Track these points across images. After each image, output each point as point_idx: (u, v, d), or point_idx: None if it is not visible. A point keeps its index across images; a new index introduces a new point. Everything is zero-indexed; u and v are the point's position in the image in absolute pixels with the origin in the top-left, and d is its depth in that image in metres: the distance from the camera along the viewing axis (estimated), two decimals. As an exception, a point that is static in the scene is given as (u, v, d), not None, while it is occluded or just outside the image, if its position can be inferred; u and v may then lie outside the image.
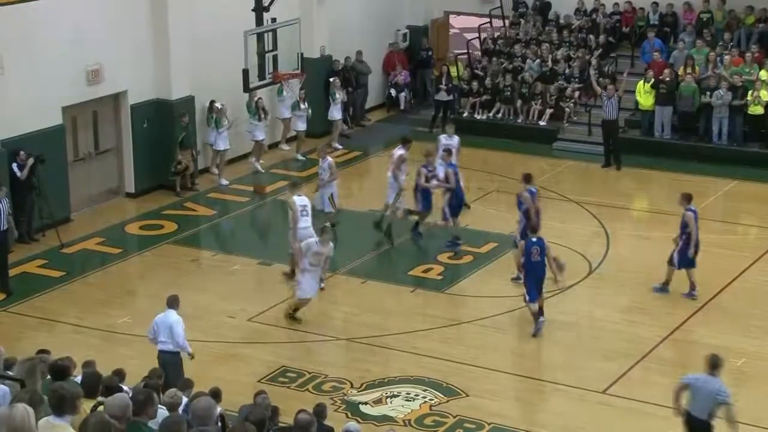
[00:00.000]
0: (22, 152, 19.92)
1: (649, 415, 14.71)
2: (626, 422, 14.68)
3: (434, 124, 27.32)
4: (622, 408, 14.95)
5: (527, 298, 16.89)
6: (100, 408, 8.31)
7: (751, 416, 14.56)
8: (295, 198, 18.23)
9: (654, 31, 27.04)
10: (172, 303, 14.46)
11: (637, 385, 15.52)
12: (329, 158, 20.58)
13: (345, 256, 19.77)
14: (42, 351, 11.74)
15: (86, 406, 8.45)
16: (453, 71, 27.97)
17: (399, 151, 20.61)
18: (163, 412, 9.17)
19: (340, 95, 26.15)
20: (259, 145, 24.55)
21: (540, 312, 16.85)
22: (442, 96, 27.59)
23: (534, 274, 16.79)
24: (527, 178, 18.58)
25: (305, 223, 18.04)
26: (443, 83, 27.59)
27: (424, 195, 20.32)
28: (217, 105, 23.55)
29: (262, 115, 24.44)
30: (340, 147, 26.04)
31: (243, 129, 24.40)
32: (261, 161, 24.60)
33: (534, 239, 16.87)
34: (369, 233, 21.03)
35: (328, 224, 18.92)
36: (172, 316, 14.31)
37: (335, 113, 26.19)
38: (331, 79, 26.27)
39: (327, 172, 20.21)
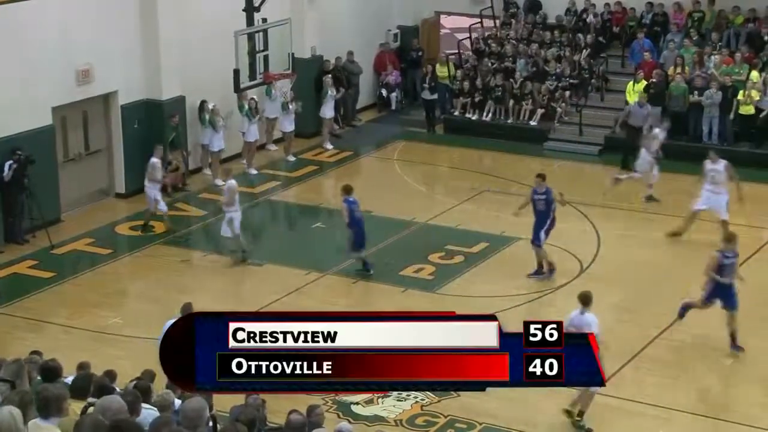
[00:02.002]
0: (18, 152, 19.88)
1: (640, 414, 14.75)
2: (617, 421, 14.69)
3: (430, 124, 27.52)
4: (612, 407, 14.95)
5: (358, 248, 18.90)
6: (91, 409, 8.27)
7: (740, 416, 14.62)
8: (154, 160, 20.73)
9: (643, 32, 27.06)
10: (185, 312, 13.63)
11: (628, 385, 15.51)
12: (231, 180, 19.70)
13: (336, 256, 19.76)
14: (34, 352, 11.72)
15: (76, 407, 8.41)
16: (441, 71, 27.95)
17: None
18: (153, 412, 9.14)
19: (332, 92, 26.11)
20: (251, 146, 24.42)
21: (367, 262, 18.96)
22: (426, 95, 27.62)
23: (360, 227, 18.88)
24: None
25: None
26: (427, 82, 27.60)
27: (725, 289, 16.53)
28: (209, 105, 23.48)
29: (255, 117, 24.37)
30: (330, 147, 25.99)
31: (236, 128, 24.30)
32: (254, 164, 24.32)
33: (351, 199, 18.80)
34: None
35: (240, 252, 19.54)
36: None
37: (327, 111, 26.16)
38: (324, 77, 26.24)
39: (226, 195, 19.45)
